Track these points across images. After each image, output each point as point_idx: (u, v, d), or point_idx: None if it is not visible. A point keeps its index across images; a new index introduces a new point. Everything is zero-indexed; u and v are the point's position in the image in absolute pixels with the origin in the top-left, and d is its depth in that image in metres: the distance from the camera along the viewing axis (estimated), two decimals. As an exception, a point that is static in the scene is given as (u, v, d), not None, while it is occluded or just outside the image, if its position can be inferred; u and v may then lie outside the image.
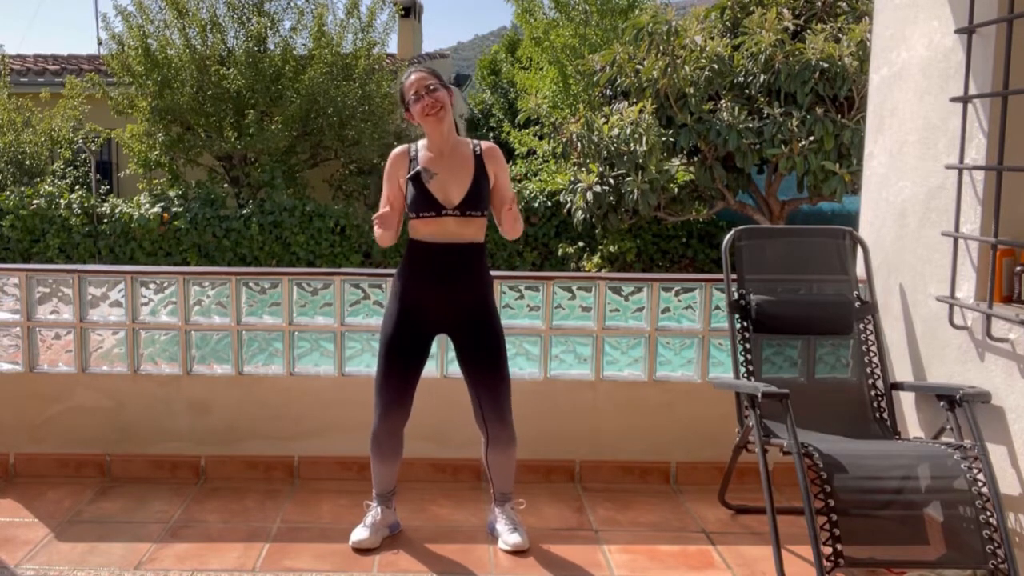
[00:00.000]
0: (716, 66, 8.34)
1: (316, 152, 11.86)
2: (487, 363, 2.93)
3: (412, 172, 2.87)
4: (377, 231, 2.89)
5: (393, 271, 3.05)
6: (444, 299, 2.91)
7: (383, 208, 2.90)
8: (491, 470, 3.05)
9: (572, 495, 3.50)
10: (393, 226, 2.89)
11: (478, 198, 2.87)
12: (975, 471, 2.58)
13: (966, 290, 2.81)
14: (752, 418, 2.88)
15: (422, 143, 2.95)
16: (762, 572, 2.85)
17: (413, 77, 2.89)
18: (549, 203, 10.73)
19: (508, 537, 2.97)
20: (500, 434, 2.96)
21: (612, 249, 9.91)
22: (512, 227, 2.93)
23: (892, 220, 3.31)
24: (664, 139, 8.40)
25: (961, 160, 2.81)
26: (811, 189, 8.25)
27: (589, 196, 8.56)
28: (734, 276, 3.24)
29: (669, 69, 8.37)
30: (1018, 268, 2.70)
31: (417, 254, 2.90)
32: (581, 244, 10.42)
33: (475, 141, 2.98)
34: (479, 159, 2.92)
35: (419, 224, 2.88)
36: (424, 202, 2.84)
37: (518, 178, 11.64)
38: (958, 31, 2.83)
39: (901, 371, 3.22)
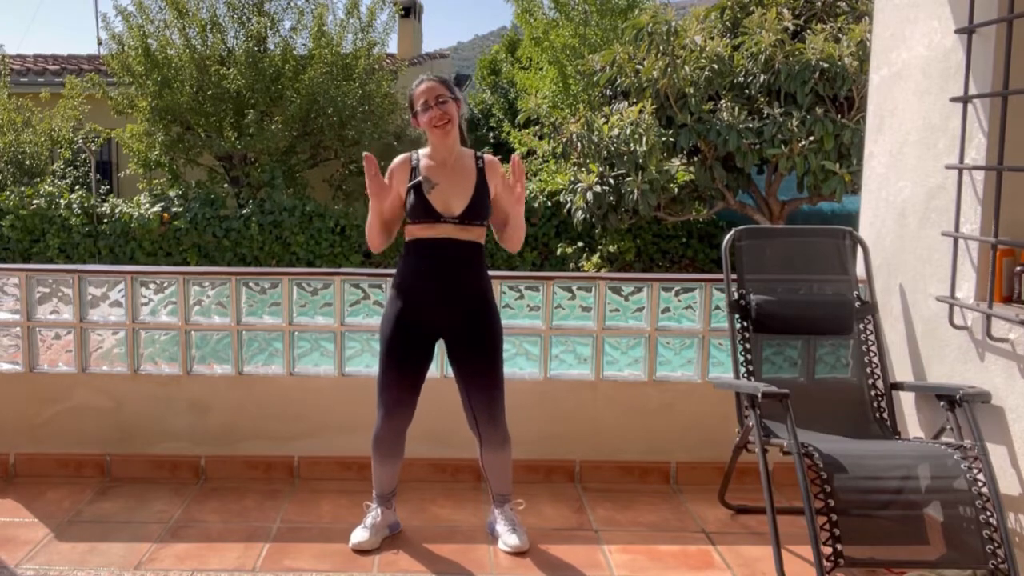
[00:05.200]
0: (716, 66, 8.34)
1: (316, 152, 11.86)
2: (481, 364, 2.92)
3: (413, 181, 2.87)
4: (368, 226, 2.89)
5: (393, 271, 3.05)
6: (442, 296, 2.89)
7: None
8: (487, 472, 3.05)
9: (572, 495, 3.50)
10: (381, 207, 2.87)
11: (479, 210, 2.88)
12: (975, 471, 2.58)
13: (966, 290, 2.81)
14: (752, 418, 2.88)
15: (424, 151, 2.94)
16: (762, 572, 2.85)
17: (424, 86, 2.87)
18: (549, 203, 10.73)
19: (507, 538, 2.97)
20: (493, 436, 2.95)
21: (612, 249, 9.91)
22: (513, 239, 2.96)
23: (892, 220, 3.31)
24: (664, 139, 8.40)
25: (961, 160, 2.81)
26: (811, 189, 8.24)
27: (589, 196, 8.55)
28: (734, 276, 3.24)
29: (669, 69, 8.37)
30: (1018, 268, 2.70)
31: (415, 251, 2.90)
32: (581, 244, 10.42)
33: (479, 153, 2.98)
34: (481, 172, 2.92)
35: (416, 229, 2.89)
36: (423, 211, 2.84)
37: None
38: (958, 31, 2.83)
39: (901, 371, 3.22)
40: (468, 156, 2.95)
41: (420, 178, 2.85)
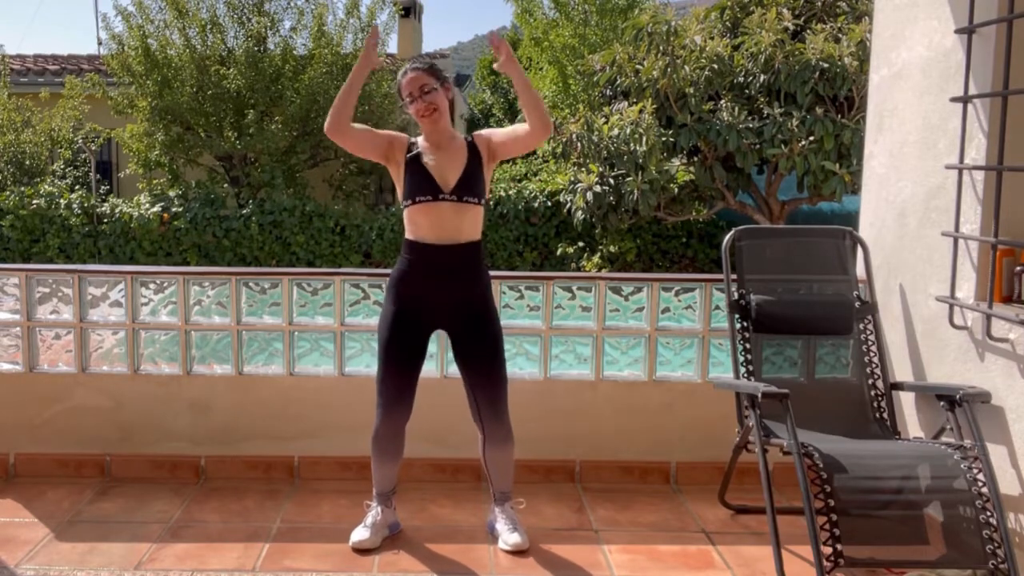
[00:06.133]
0: (716, 66, 8.34)
1: (316, 152, 11.86)
2: (485, 361, 2.95)
3: (412, 153, 2.92)
4: (341, 92, 2.87)
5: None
6: (442, 299, 2.93)
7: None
8: (489, 468, 3.05)
9: (572, 495, 3.50)
10: (363, 80, 2.91)
11: (473, 181, 2.91)
12: (975, 471, 2.58)
13: (966, 290, 2.81)
14: (752, 418, 2.88)
15: (420, 138, 3.00)
16: (762, 572, 2.84)
17: (408, 77, 2.92)
18: (549, 203, 10.73)
19: (508, 537, 2.97)
20: (497, 432, 2.97)
21: (612, 249, 9.91)
22: (532, 111, 2.85)
23: (892, 220, 3.31)
24: (664, 139, 8.40)
25: (961, 160, 2.81)
26: (811, 189, 8.25)
27: (589, 196, 8.55)
28: (734, 276, 3.24)
29: (669, 69, 8.37)
30: (1018, 268, 2.70)
31: (414, 255, 2.91)
32: (581, 244, 10.42)
33: (466, 135, 3.03)
34: (472, 145, 2.97)
35: (416, 214, 2.89)
36: (422, 183, 2.87)
37: (518, 178, 11.64)
38: (958, 31, 2.83)
39: (901, 371, 3.22)
40: (459, 138, 3.01)
41: (418, 151, 2.92)
